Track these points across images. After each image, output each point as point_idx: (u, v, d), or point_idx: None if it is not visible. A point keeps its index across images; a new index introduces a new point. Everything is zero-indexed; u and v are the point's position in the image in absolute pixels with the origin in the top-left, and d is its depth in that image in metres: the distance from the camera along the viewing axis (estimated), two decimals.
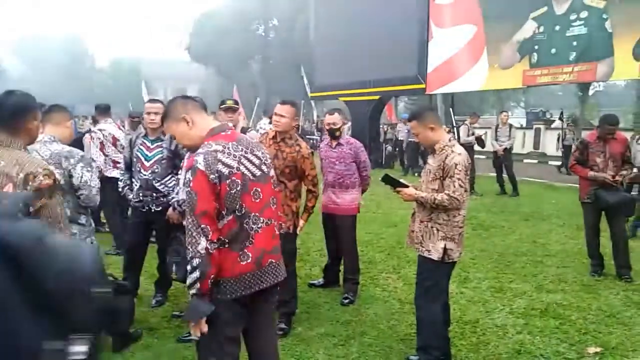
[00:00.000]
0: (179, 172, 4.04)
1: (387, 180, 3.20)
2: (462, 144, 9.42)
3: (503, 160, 10.06)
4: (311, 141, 16.01)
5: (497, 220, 7.60)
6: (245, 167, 2.15)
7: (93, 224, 3.22)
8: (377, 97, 15.93)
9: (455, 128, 11.93)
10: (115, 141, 5.81)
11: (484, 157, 13.88)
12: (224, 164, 2.08)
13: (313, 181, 3.80)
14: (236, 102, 4.47)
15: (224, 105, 4.30)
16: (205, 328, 2.06)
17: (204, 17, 35.95)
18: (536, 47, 11.01)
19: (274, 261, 2.25)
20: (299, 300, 4.32)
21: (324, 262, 5.01)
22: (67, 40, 43.68)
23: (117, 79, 41.15)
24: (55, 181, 2.20)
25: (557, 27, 10.57)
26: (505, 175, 10.14)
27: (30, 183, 2.10)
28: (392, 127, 17.14)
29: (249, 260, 2.14)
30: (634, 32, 9.21)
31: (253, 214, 2.15)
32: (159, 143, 4.01)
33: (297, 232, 3.82)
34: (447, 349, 3.22)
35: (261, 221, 2.19)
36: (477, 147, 10.69)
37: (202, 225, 2.02)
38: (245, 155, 2.18)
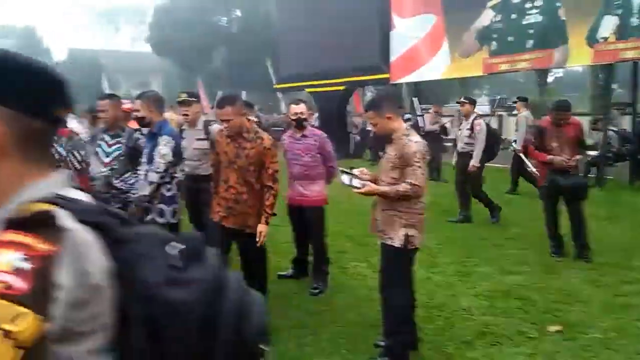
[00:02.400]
0: (139, 168, 4.00)
1: (344, 178, 3.19)
2: (427, 132, 9.52)
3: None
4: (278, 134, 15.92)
5: None
6: None
7: None
8: (342, 87, 15.96)
9: (419, 117, 12.09)
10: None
11: (450, 144, 14.14)
12: None
13: (273, 176, 3.52)
14: (193, 95, 4.41)
15: (178, 99, 4.26)
16: None
17: (163, 9, 35.14)
18: (495, 35, 11.26)
19: None
20: (270, 290, 4.34)
21: (292, 254, 5.03)
22: (21, 33, 42.02)
23: (76, 72, 39.88)
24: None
25: (514, 16, 10.83)
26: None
27: None
28: (359, 116, 17.23)
29: None
30: (587, 19, 9.52)
31: None
32: (118, 139, 3.94)
33: (258, 239, 3.55)
34: (413, 333, 3.29)
35: None
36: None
37: None
38: None
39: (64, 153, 3.99)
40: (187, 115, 4.21)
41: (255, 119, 7.85)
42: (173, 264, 0.79)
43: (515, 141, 8.93)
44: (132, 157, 3.93)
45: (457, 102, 8.63)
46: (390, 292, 3.18)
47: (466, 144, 6.76)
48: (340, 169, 3.27)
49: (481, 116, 7.38)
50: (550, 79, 27.75)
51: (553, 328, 3.59)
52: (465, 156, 6.75)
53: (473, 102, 7.08)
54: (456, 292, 4.32)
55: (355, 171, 3.17)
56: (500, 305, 4.00)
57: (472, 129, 6.68)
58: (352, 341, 3.46)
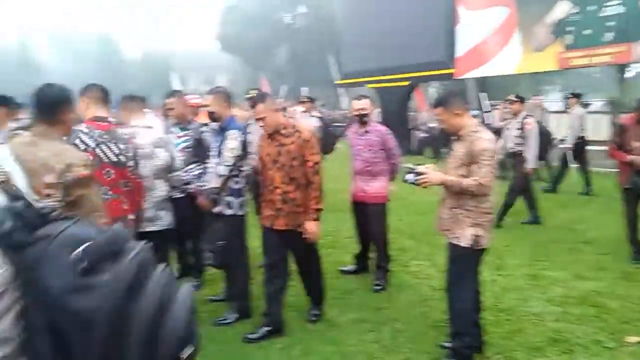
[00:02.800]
0: (206, 161, 4.15)
1: (408, 176, 3.09)
2: (496, 129, 9.17)
3: None
4: (340, 130, 15.91)
5: None
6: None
7: None
8: (406, 83, 15.72)
9: (487, 113, 11.69)
10: None
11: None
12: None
13: (313, 169, 3.36)
14: (259, 92, 4.49)
15: (247, 96, 4.35)
16: None
17: (231, 7, 36.10)
18: (570, 28, 10.65)
19: None
20: (331, 284, 4.37)
21: (355, 249, 5.02)
22: (99, 33, 44.64)
23: (148, 70, 41.78)
24: (92, 172, 2.29)
25: (592, 7, 10.19)
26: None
27: (68, 174, 2.17)
28: (421, 113, 16.93)
29: None
30: None
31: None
32: (186, 132, 4.11)
33: (309, 237, 3.42)
34: (479, 336, 3.19)
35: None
36: None
37: None
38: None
39: (92, 144, 4.20)
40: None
41: (318, 115, 7.93)
42: (80, 267, 0.73)
43: (564, 139, 8.51)
44: (197, 149, 4.08)
45: (506, 100, 8.29)
46: (456, 292, 3.09)
47: (516, 144, 6.44)
48: (404, 165, 3.20)
49: (558, 112, 7.06)
50: (630, 74, 25.92)
51: (633, 339, 3.36)
52: (515, 156, 6.44)
53: (522, 100, 6.77)
54: (525, 296, 4.14)
55: (420, 168, 3.09)
56: (574, 312, 3.79)
57: (522, 128, 6.36)
58: (414, 340, 3.40)
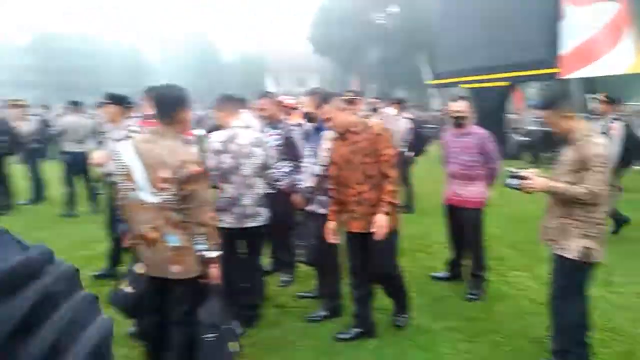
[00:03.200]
0: (294, 160, 4.27)
1: (511, 181, 2.94)
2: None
3: None
4: (432, 131, 15.54)
5: None
6: None
7: None
8: (503, 83, 15.00)
9: (594, 116, 10.83)
10: None
11: None
12: None
13: (389, 162, 3.17)
14: (357, 94, 4.51)
15: (344, 97, 4.37)
16: None
17: (325, 8, 36.63)
18: None
19: None
20: (422, 290, 4.29)
21: (447, 255, 4.88)
22: (196, 37, 47.27)
23: (244, 72, 43.58)
24: (204, 169, 2.45)
25: None
26: None
27: (183, 170, 2.33)
28: (520, 115, 16.09)
29: None
30: None
31: None
32: (277, 131, 4.24)
33: (374, 230, 3.16)
34: (586, 356, 2.96)
35: None
36: None
37: None
38: None
39: None
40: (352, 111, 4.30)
41: (409, 116, 7.82)
42: None
43: None
44: (286, 148, 4.19)
45: (594, 99, 7.56)
46: (561, 307, 2.90)
47: None
48: (507, 169, 3.04)
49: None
50: None
51: None
52: None
53: (612, 102, 6.14)
54: (637, 316, 3.79)
55: (524, 172, 2.93)
56: None
57: (607, 131, 5.77)
58: (512, 354, 3.24)
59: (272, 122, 4.36)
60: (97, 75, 40.56)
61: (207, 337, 2.45)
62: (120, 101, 4.57)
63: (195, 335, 2.50)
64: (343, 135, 3.28)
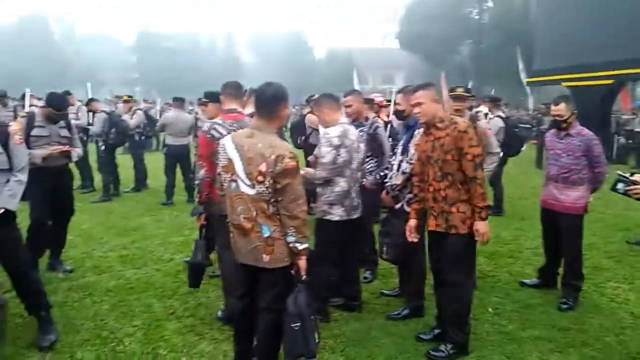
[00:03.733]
0: (384, 156, 4.32)
1: (619, 185, 2.72)
2: None
3: None
4: (527, 131, 14.74)
5: None
6: None
7: None
8: (609, 81, 13.90)
9: None
10: None
11: None
12: None
13: (474, 162, 3.01)
14: (468, 90, 4.36)
15: (452, 93, 4.27)
16: None
17: (414, 4, 36.01)
18: None
19: None
20: (509, 296, 4.14)
21: (537, 262, 4.67)
22: (291, 36, 48.43)
23: (332, 69, 43.96)
24: (298, 164, 2.53)
25: None
26: None
27: (279, 164, 2.45)
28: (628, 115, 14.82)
29: None
30: None
31: None
32: (362, 128, 4.27)
33: (479, 239, 3.08)
34: None
35: None
36: None
37: None
38: None
39: (224, 132, 4.38)
40: (459, 110, 4.19)
41: (502, 115, 7.50)
42: None
43: None
44: (371, 144, 4.21)
45: None
46: None
47: None
48: (617, 172, 2.82)
49: None
50: None
51: None
52: None
53: None
54: None
55: (636, 177, 2.71)
56: None
57: None
58: None
59: (357, 119, 4.40)
60: (196, 73, 42.83)
61: (293, 326, 2.55)
62: (217, 99, 4.83)
63: (281, 323, 2.61)
64: (428, 129, 3.22)
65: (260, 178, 2.51)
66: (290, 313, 2.57)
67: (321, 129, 4.01)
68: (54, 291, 4.08)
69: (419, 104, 3.16)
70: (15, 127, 3.42)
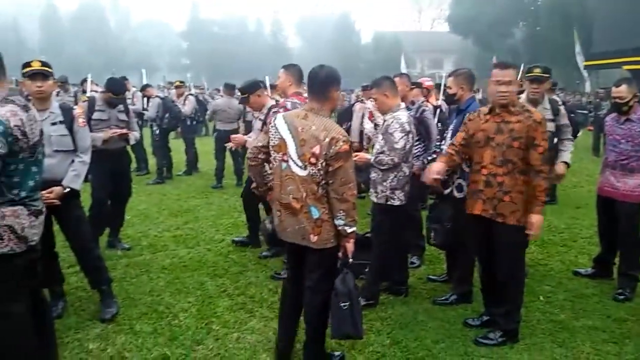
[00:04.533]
0: (431, 141, 4.34)
1: None
2: None
3: None
4: (583, 117, 14.13)
5: None
6: None
7: None
8: None
9: None
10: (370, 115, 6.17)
11: None
12: None
13: (543, 155, 2.95)
14: (547, 71, 4.14)
15: (529, 75, 4.12)
16: None
17: None
18: None
19: None
20: (562, 286, 4.05)
21: (592, 251, 4.52)
22: (338, 20, 48.03)
23: (379, 53, 43.35)
24: (350, 147, 2.53)
25: None
26: None
27: (332, 147, 2.47)
28: None
29: None
30: None
31: None
32: (409, 112, 4.24)
33: (530, 232, 3.02)
34: None
35: None
36: None
37: None
38: None
39: None
40: (537, 92, 4.05)
41: (558, 100, 7.20)
42: None
43: None
44: (417, 129, 4.14)
45: None
46: None
47: None
48: None
49: None
50: None
51: None
52: None
53: None
54: None
55: None
56: None
57: None
58: None
59: (403, 102, 4.37)
60: (245, 58, 43.26)
61: (342, 305, 2.60)
62: (254, 90, 4.81)
63: (327, 302, 2.65)
64: (493, 110, 3.09)
65: (312, 160, 2.53)
66: (340, 292, 2.60)
67: (378, 115, 3.99)
68: (114, 267, 4.31)
69: (509, 83, 3.00)
70: (79, 111, 3.61)
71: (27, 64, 3.30)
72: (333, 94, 2.65)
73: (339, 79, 2.69)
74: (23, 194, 2.27)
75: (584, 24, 18.09)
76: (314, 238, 2.62)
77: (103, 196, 4.58)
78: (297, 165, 2.59)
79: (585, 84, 19.79)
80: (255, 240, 4.96)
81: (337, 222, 2.58)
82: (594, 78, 22.34)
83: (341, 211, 2.55)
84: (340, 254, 2.69)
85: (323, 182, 2.56)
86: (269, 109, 4.27)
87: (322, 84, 2.62)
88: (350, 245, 2.65)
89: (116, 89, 4.58)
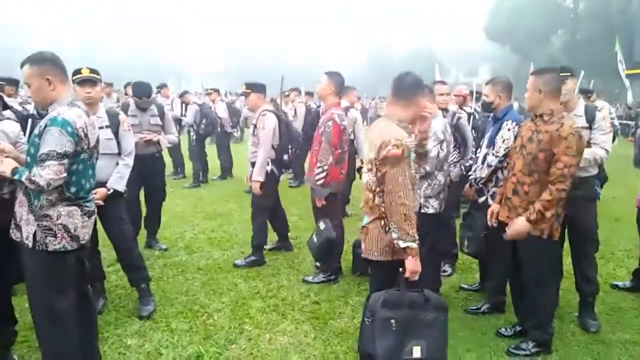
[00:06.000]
0: (466, 148, 4.25)
1: None
2: None
3: None
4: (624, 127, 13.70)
5: None
6: None
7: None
8: None
9: None
10: None
11: None
12: None
13: (561, 171, 2.77)
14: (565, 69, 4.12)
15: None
16: None
17: None
18: None
19: None
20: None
21: (631, 264, 4.40)
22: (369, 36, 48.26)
23: (414, 64, 43.12)
24: (402, 153, 2.37)
25: None
26: None
27: (381, 151, 2.40)
28: None
29: None
30: None
31: None
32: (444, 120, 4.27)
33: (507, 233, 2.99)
34: None
35: None
36: None
37: None
38: None
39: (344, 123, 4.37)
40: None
41: (598, 106, 7.03)
42: None
43: None
44: (452, 136, 4.14)
45: None
46: None
47: None
48: None
49: None
50: None
51: None
52: None
53: None
54: None
55: None
56: None
57: None
58: None
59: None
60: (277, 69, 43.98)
61: (366, 319, 2.51)
62: (259, 89, 4.81)
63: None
64: (534, 118, 3.02)
65: (369, 166, 2.54)
66: (367, 307, 2.52)
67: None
68: (151, 267, 4.45)
69: (532, 89, 2.96)
70: (124, 116, 3.78)
71: (77, 71, 3.48)
72: (417, 99, 2.61)
73: (423, 86, 2.69)
74: (80, 194, 2.42)
75: (626, 32, 17.56)
76: (362, 246, 2.61)
77: (131, 199, 4.51)
78: (365, 172, 2.60)
79: (627, 93, 19.18)
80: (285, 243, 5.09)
81: (392, 235, 2.43)
82: (635, 88, 21.65)
83: (392, 223, 2.40)
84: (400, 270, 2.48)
85: (377, 189, 2.48)
86: (259, 113, 4.52)
87: (407, 90, 2.58)
88: (409, 264, 2.42)
89: (138, 91, 4.75)
